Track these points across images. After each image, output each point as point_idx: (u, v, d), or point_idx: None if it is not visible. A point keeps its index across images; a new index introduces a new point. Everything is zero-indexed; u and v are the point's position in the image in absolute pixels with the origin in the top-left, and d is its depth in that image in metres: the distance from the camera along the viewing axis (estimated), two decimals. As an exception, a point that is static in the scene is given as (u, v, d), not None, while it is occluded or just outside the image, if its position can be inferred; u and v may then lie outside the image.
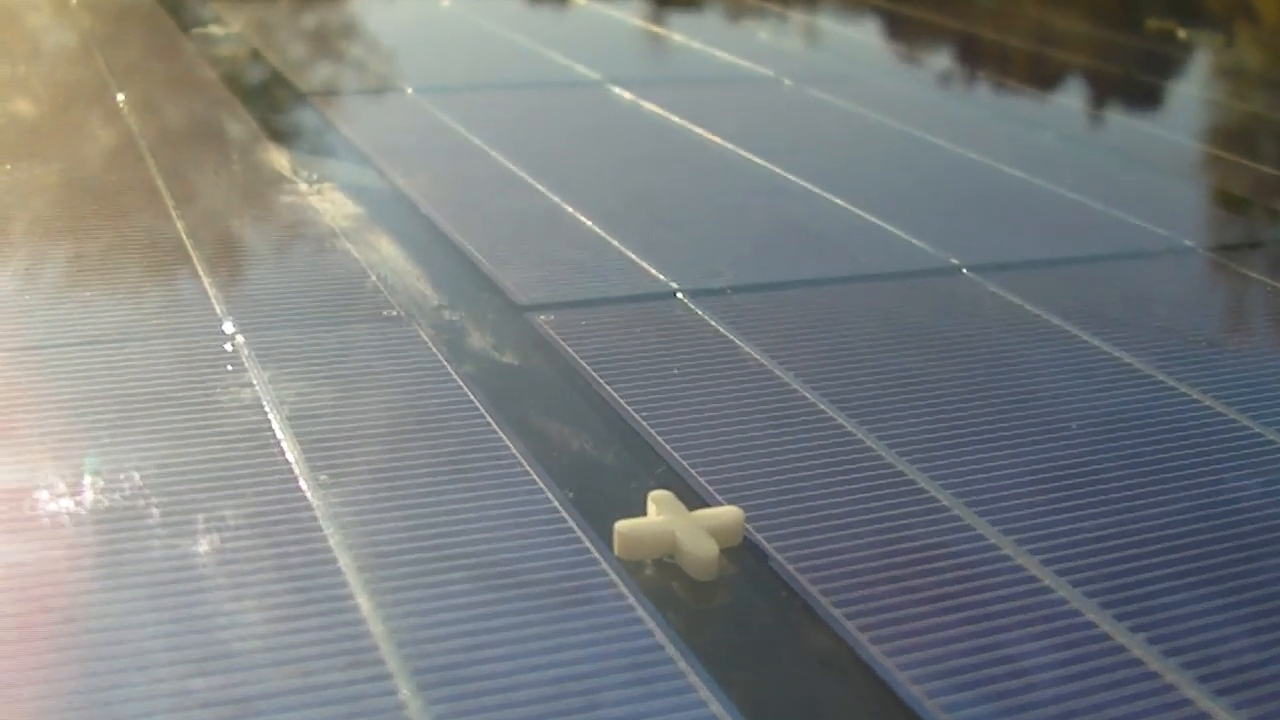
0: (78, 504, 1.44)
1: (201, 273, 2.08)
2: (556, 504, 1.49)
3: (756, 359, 1.87)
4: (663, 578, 1.41)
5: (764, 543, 1.45)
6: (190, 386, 1.71)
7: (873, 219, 2.50)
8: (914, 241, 2.39)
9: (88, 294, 1.99)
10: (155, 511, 1.43)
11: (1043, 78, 4.20)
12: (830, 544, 1.45)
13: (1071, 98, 4.01)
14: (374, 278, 2.10)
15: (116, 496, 1.45)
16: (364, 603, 1.30)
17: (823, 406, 1.75)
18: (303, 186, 2.56)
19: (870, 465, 1.62)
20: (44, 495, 1.45)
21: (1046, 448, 1.69)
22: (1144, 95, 4.09)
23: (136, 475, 1.50)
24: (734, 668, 1.27)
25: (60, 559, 1.35)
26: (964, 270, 2.27)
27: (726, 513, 1.47)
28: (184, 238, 2.23)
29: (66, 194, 2.45)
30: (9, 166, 2.59)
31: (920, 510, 1.53)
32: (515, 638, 1.27)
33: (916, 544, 1.47)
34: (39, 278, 2.06)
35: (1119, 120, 3.72)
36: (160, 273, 2.09)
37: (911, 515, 1.52)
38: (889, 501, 1.54)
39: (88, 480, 1.48)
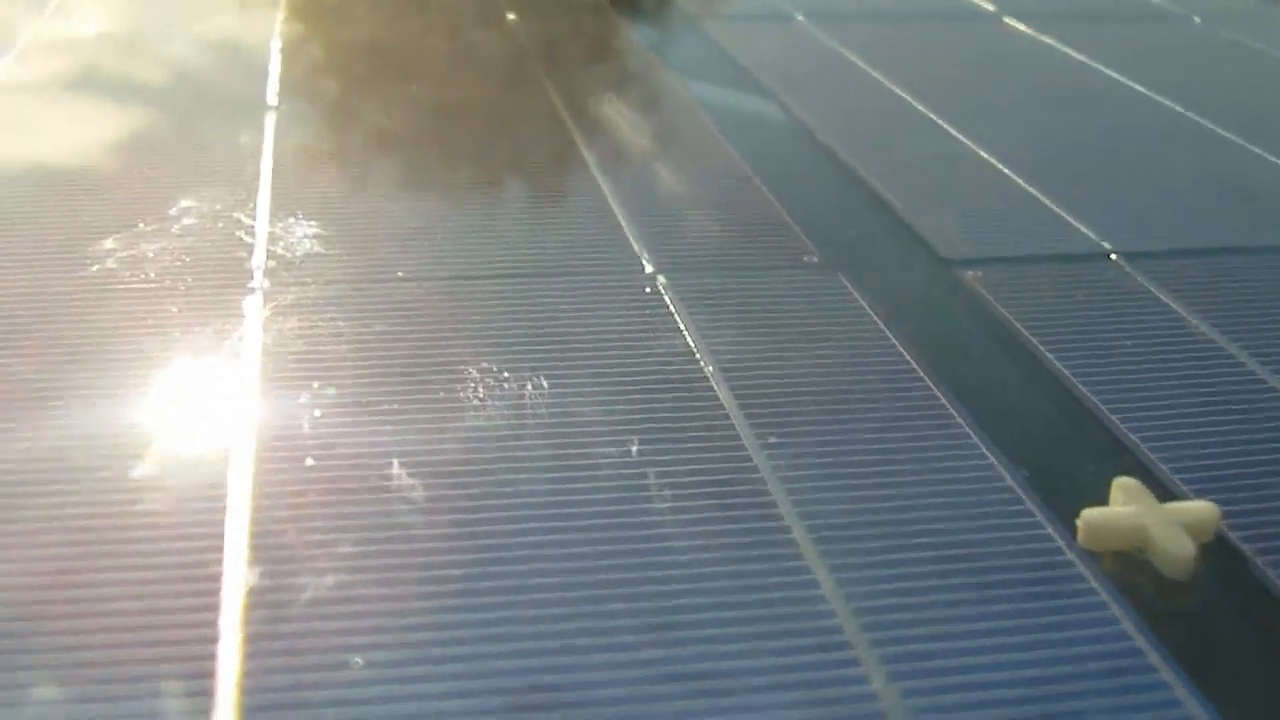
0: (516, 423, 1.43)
1: (614, 206, 2.06)
2: (1012, 483, 1.41)
3: (1206, 334, 1.75)
4: (1128, 571, 1.32)
5: (1240, 544, 1.35)
6: (619, 328, 1.69)
7: (1312, 178, 2.32)
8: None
9: (502, 225, 2.00)
10: (599, 458, 1.41)
11: None
12: (1315, 550, 1.34)
13: None
14: (789, 219, 2.04)
15: (558, 439, 1.44)
16: (822, 578, 1.25)
17: (1289, 391, 1.62)
18: (708, 122, 2.51)
19: (1348, 462, 1.49)
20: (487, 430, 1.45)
21: None
22: None
23: (580, 414, 1.48)
24: (1209, 672, 1.18)
25: (496, 500, 1.34)
26: None
27: (1202, 508, 1.37)
28: (593, 169, 2.21)
29: (470, 119, 2.47)
30: (415, 88, 2.63)
31: None
32: (986, 629, 1.20)
33: None
34: (454, 207, 2.07)
35: None
36: (574, 207, 2.08)
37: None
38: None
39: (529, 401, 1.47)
